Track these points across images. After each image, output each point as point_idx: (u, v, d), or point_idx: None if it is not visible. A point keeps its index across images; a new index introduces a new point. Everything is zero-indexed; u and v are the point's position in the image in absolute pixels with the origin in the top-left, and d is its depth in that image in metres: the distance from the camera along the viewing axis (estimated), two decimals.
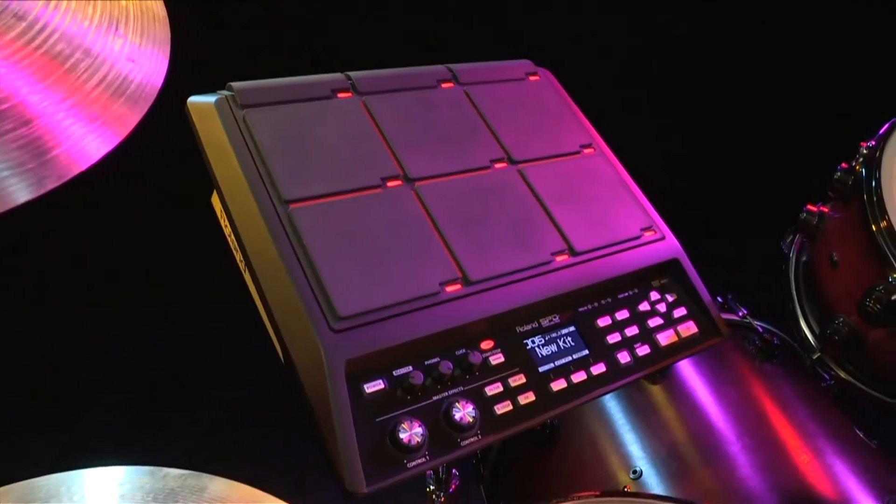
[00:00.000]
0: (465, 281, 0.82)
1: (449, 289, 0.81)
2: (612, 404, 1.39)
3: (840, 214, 1.10)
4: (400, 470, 0.73)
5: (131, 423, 1.93)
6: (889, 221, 0.98)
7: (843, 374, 1.14)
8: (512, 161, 0.96)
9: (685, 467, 1.26)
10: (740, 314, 1.44)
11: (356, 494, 0.70)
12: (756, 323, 1.43)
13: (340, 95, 0.93)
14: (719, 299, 1.49)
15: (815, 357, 1.15)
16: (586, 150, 1.02)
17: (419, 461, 0.73)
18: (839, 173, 1.08)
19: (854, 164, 1.06)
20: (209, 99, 0.87)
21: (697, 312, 0.97)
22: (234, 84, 0.88)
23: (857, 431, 1.30)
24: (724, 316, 1.45)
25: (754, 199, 2.63)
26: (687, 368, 1.42)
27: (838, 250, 1.09)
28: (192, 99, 0.88)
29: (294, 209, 0.81)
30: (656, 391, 1.39)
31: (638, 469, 1.25)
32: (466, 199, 0.89)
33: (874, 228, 1.00)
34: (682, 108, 3.08)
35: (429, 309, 0.79)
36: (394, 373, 0.77)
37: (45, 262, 2.34)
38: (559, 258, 0.89)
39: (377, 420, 0.74)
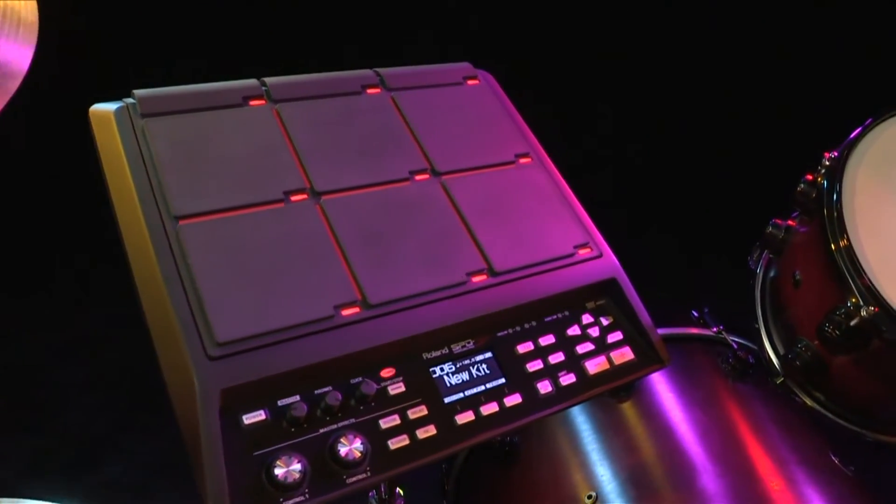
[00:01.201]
0: (364, 304, 0.77)
1: (345, 312, 0.76)
2: (578, 420, 1.33)
3: (805, 229, 1.03)
4: None
5: (110, 426, 1.91)
6: (848, 240, 0.91)
7: (808, 402, 1.06)
8: (435, 172, 0.90)
9: (646, 493, 1.19)
10: (714, 329, 1.36)
11: None
12: (732, 338, 1.35)
13: (253, 103, 0.88)
14: (694, 314, 1.42)
15: (778, 381, 1.07)
16: (522, 160, 0.96)
17: (296, 500, 0.69)
18: (802, 185, 1.00)
19: (817, 175, 0.98)
20: (110, 107, 0.83)
21: (636, 337, 0.90)
22: (137, 91, 0.84)
23: (833, 457, 1.22)
24: (698, 331, 1.39)
25: (737, 206, 2.52)
26: (658, 386, 1.35)
27: (801, 269, 1.01)
28: (95, 107, 0.84)
29: (183, 225, 0.76)
30: (624, 409, 1.32)
31: (593, 494, 1.19)
32: (377, 215, 0.84)
33: (833, 247, 0.92)
34: (647, 114, 2.98)
35: (320, 334, 0.74)
36: (278, 403, 0.72)
37: (37, 263, 2.35)
38: (476, 279, 0.83)
39: (255, 454, 0.69)
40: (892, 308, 0.87)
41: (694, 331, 1.41)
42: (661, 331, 1.40)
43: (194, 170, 0.80)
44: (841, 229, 0.92)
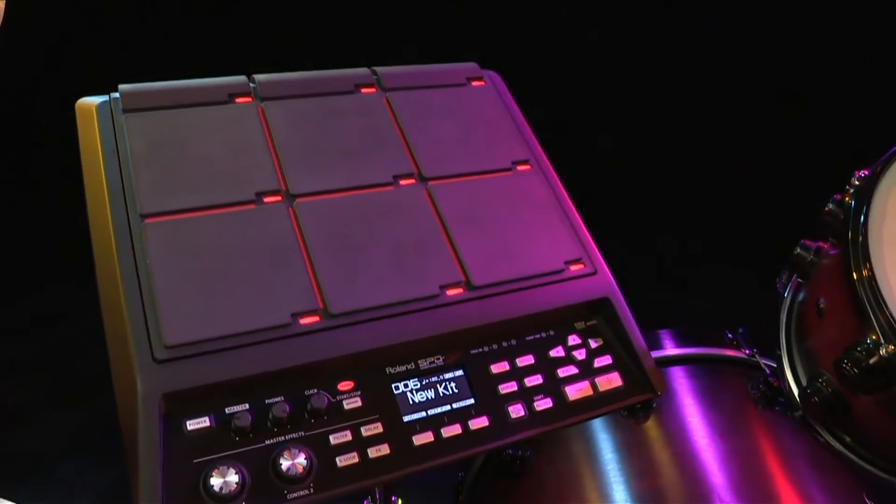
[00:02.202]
0: (325, 313, 0.74)
1: (303, 321, 0.73)
2: (595, 436, 1.27)
3: (833, 252, 0.94)
4: None
5: None
6: (871, 270, 0.82)
7: (831, 441, 0.97)
8: (422, 178, 0.86)
9: None
10: (747, 352, 1.28)
11: None
12: (765, 363, 1.26)
13: (239, 100, 0.87)
14: (729, 335, 1.33)
15: (797, 415, 0.99)
16: (520, 167, 0.91)
17: None
18: (831, 205, 0.91)
19: (845, 195, 0.90)
20: (95, 101, 0.83)
21: (627, 362, 0.84)
22: (122, 86, 0.84)
23: (868, 501, 1.12)
24: (730, 353, 1.31)
25: (788, 219, 2.37)
26: (684, 408, 1.27)
27: (825, 297, 0.93)
28: (82, 100, 0.84)
29: (148, 224, 0.75)
30: (644, 429, 1.25)
31: None
32: (353, 221, 0.81)
33: (855, 276, 0.84)
34: (673, 119, 2.83)
35: (274, 343, 0.72)
36: (226, 410, 0.70)
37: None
38: (450, 292, 0.79)
39: (195, 461, 0.68)
40: None
41: (729, 352, 1.33)
42: (692, 350, 1.34)
43: (167, 167, 0.79)
44: (864, 257, 0.83)
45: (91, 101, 0.83)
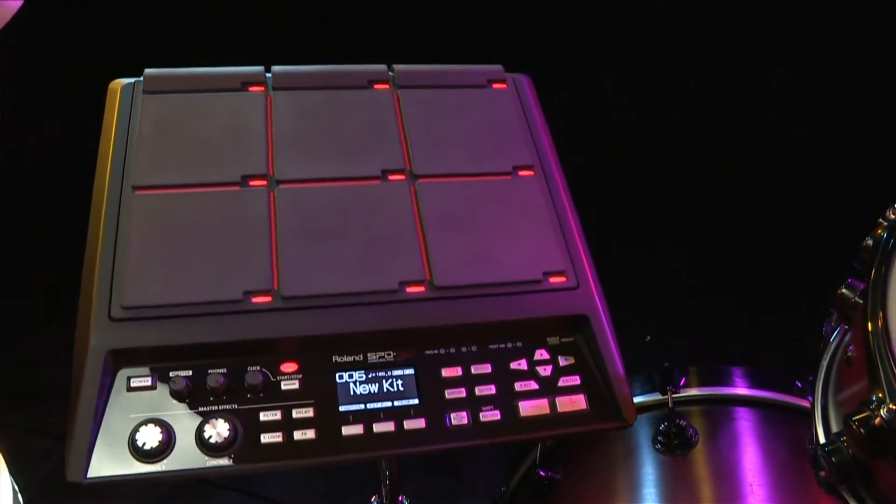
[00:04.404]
0: (277, 294, 0.76)
1: (255, 300, 0.76)
2: (634, 466, 1.20)
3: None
4: (128, 470, 0.70)
5: None
6: (885, 320, 0.72)
7: None
8: (412, 175, 0.86)
9: None
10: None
11: (74, 482, 0.69)
12: None
13: (252, 89, 0.91)
14: (798, 384, 1.21)
15: (821, 475, 0.88)
16: (522, 172, 0.88)
17: (151, 468, 0.70)
18: (869, 240, 0.80)
19: (878, 228, 0.79)
20: (123, 82, 0.91)
21: (598, 386, 0.79)
22: (148, 70, 0.91)
23: None
24: (798, 401, 1.19)
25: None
26: (741, 451, 1.18)
27: (855, 344, 0.82)
28: (114, 82, 0.92)
29: (137, 195, 0.81)
30: (690, 465, 1.17)
31: None
32: (329, 210, 0.82)
33: (870, 327, 0.73)
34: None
35: (223, 316, 0.75)
36: (170, 374, 0.74)
37: None
38: (410, 289, 0.78)
39: (130, 416, 0.72)
40: None
41: (798, 401, 1.21)
42: (758, 392, 1.23)
43: (167, 145, 0.85)
44: (882, 304, 0.73)
45: (120, 82, 0.91)
